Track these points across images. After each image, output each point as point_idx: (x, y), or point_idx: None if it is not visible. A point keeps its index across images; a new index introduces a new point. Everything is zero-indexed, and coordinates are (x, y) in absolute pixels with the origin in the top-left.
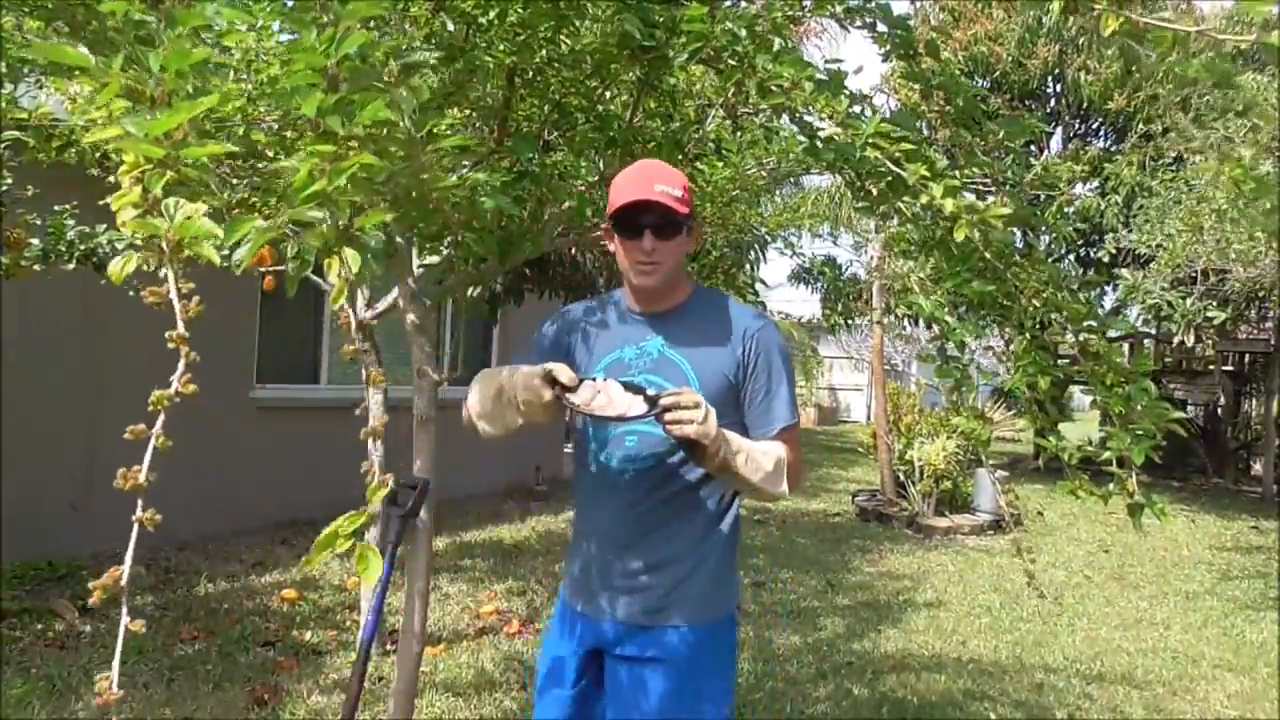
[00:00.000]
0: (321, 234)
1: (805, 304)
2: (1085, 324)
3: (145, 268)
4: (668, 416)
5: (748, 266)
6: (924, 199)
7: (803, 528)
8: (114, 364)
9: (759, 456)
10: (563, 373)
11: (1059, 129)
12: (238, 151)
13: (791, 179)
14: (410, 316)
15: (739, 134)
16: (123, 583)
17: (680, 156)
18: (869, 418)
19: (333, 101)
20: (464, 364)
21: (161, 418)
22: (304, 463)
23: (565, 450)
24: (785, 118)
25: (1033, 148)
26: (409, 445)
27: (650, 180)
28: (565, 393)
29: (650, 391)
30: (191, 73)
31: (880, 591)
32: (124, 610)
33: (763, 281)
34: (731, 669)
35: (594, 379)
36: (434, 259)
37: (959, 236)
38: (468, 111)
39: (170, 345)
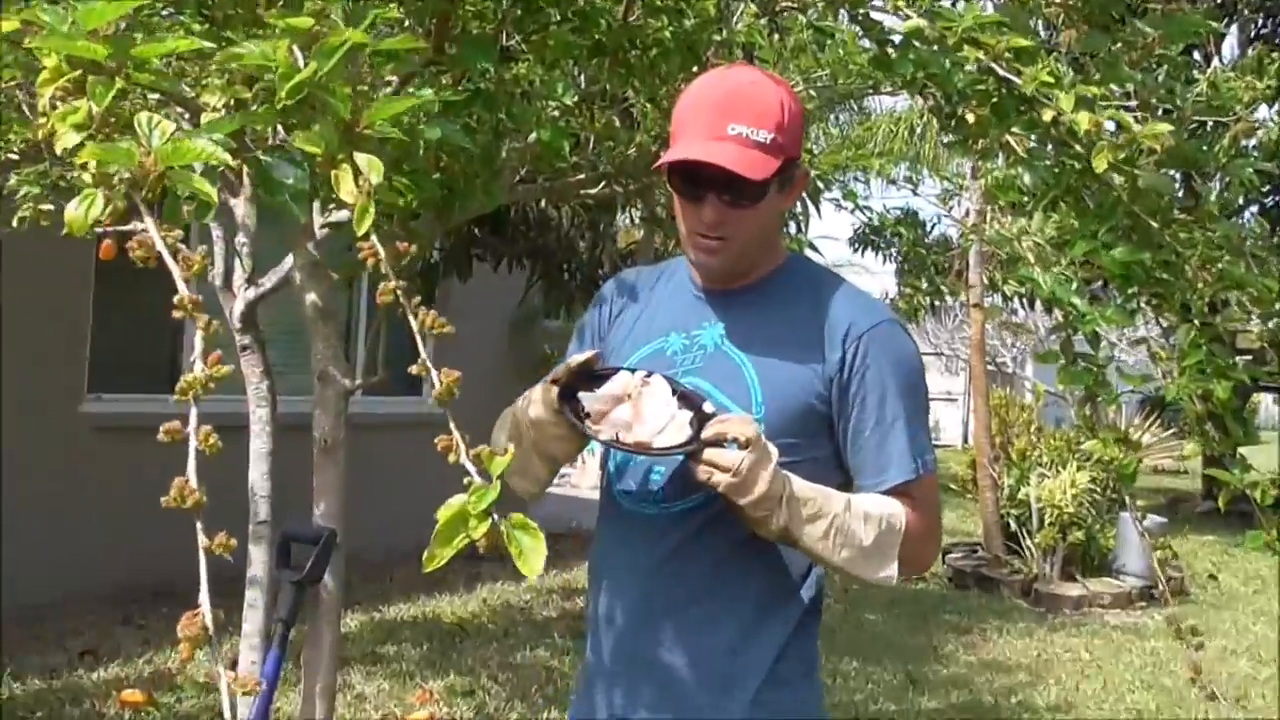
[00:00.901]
0: (318, 137)
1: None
2: (1277, 306)
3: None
4: (706, 454)
5: (792, 225)
6: (1046, 116)
7: (873, 599)
8: None
9: (852, 526)
10: (576, 359)
11: (1234, 27)
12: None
13: (853, 101)
14: (310, 296)
15: (779, 38)
16: None
17: (695, 69)
18: (966, 440)
19: None
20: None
21: (194, 412)
22: (156, 506)
23: None
24: (843, 14)
25: (1197, 56)
26: (307, 480)
27: (726, 115)
28: (569, 401)
29: (708, 407)
30: None
31: (983, 689)
32: None
33: (812, 246)
34: None
35: (633, 371)
36: (343, 215)
37: (1098, 167)
38: (394, 4)
39: (178, 314)
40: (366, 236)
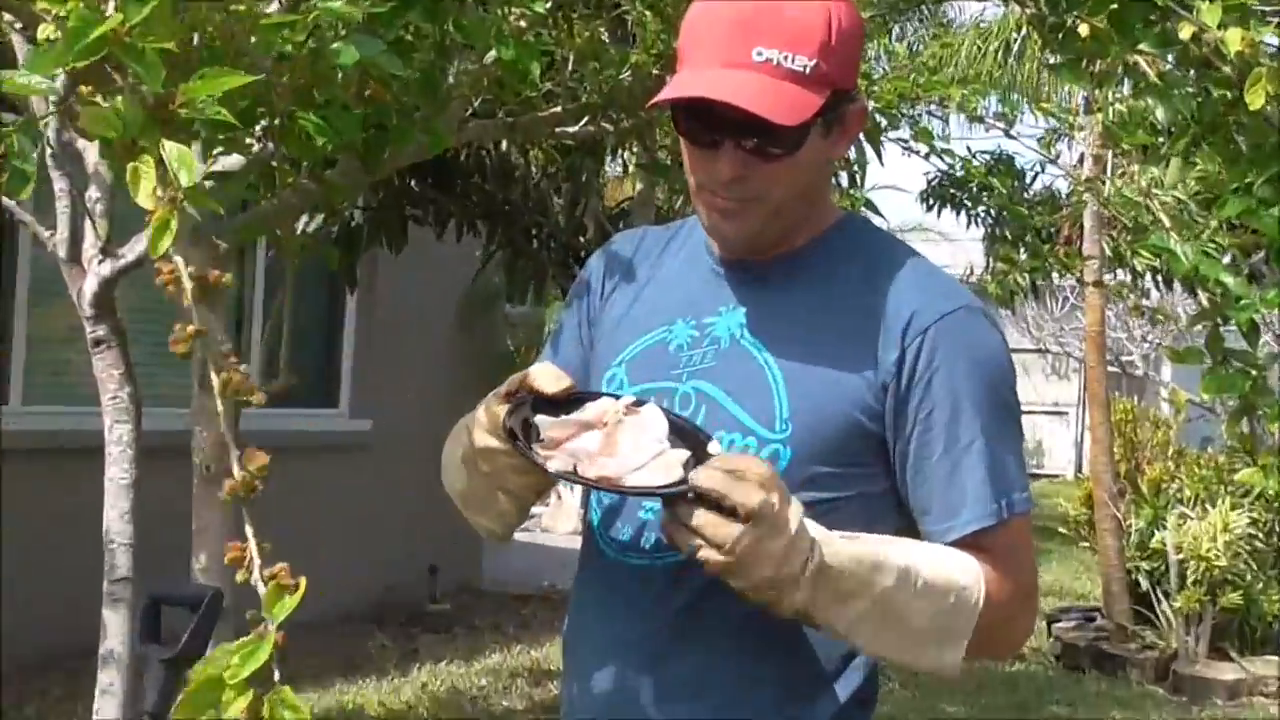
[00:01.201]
0: (114, 116)
1: (953, 247)
2: None
3: None
4: (695, 517)
5: (843, 176)
6: (1185, 31)
7: (954, 683)
8: None
9: (904, 603)
10: (543, 378)
11: None
12: None
13: (927, 8)
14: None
15: None
16: None
17: None
18: (1079, 468)
19: None
20: (292, 367)
21: None
22: None
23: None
24: None
25: None
26: (184, 522)
27: (751, 31)
28: (520, 431)
29: (714, 447)
30: None
31: None
32: None
33: (869, 205)
34: None
35: (619, 397)
36: (234, 161)
37: (1253, 102)
38: None
39: None
40: (166, 257)
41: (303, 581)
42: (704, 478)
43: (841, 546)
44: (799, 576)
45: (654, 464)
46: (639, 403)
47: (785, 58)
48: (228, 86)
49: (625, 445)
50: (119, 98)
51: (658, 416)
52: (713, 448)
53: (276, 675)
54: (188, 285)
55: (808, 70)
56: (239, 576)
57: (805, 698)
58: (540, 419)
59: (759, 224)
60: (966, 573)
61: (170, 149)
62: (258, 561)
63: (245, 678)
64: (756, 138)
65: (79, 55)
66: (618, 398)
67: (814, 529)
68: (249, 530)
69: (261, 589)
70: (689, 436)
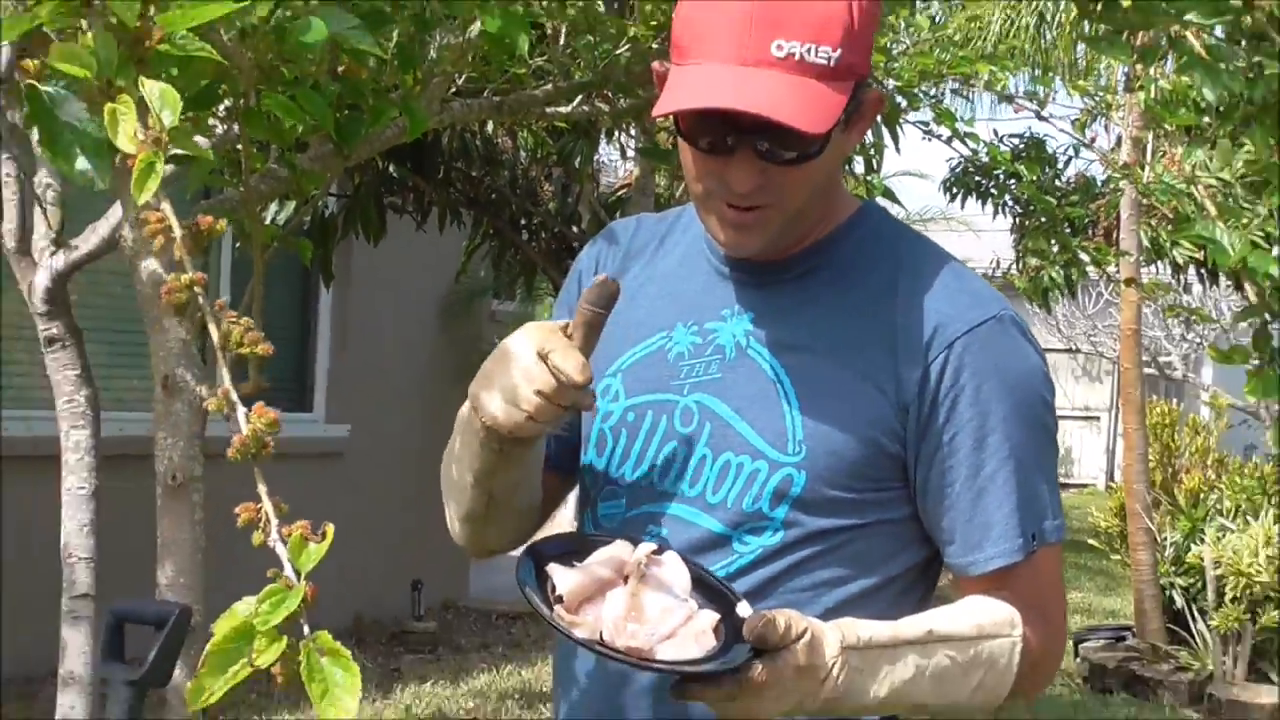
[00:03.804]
0: (87, 53)
1: (979, 240)
2: None
3: None
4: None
5: (858, 163)
6: None
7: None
8: None
9: (944, 669)
10: (568, 363)
11: None
12: None
13: None
14: (148, 265)
15: None
16: None
17: None
18: (1111, 476)
19: None
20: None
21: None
22: None
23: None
24: None
25: None
26: (148, 533)
27: (769, 21)
28: (536, 573)
29: (742, 609)
30: None
31: None
32: None
33: (887, 193)
34: None
35: (649, 544)
36: (198, 144)
37: None
38: None
39: None
40: (149, 205)
41: (330, 530)
42: (758, 672)
43: (871, 657)
44: (818, 704)
45: (683, 632)
46: (659, 550)
47: (809, 50)
48: (210, 17)
49: (650, 606)
50: (90, 34)
51: (680, 569)
52: (741, 609)
53: (306, 629)
54: (178, 233)
55: (832, 63)
56: (255, 539)
57: None
58: (555, 571)
59: (776, 232)
60: (992, 618)
61: (150, 87)
62: (274, 524)
63: (276, 625)
64: (776, 143)
65: None
66: (634, 540)
67: (840, 642)
68: (262, 489)
69: (280, 549)
70: (713, 592)
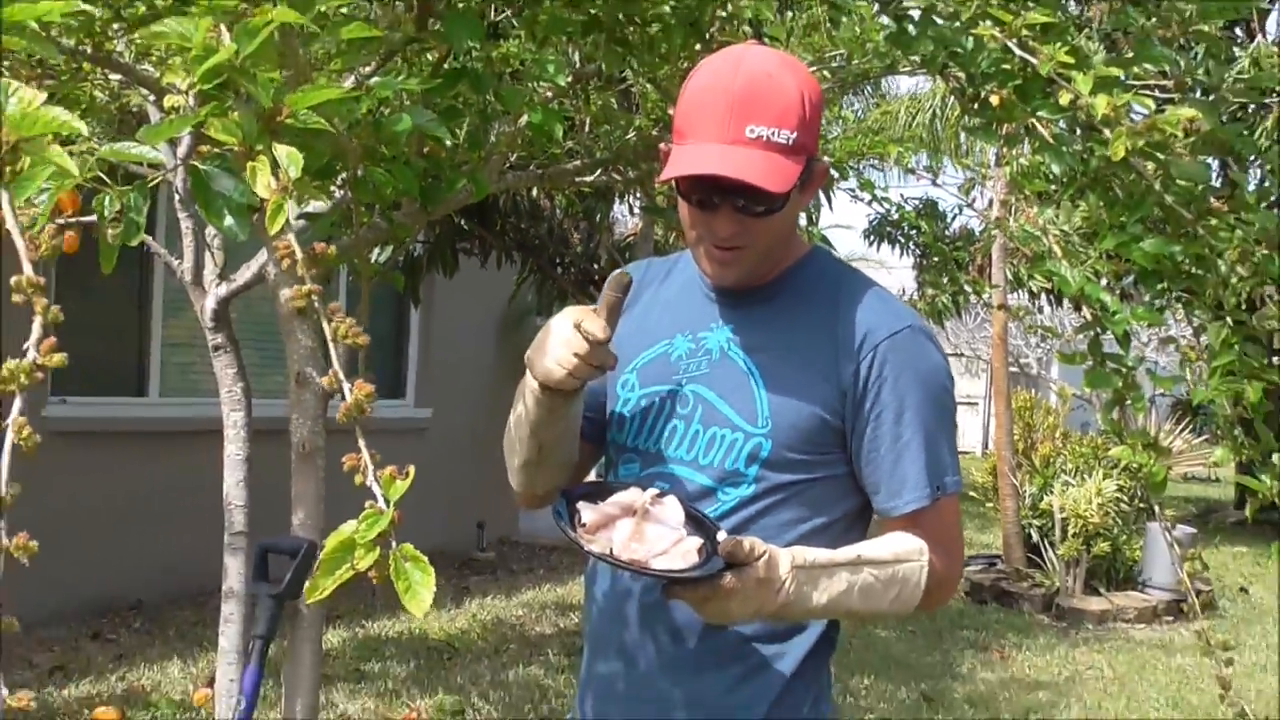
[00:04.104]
0: (235, 125)
1: (892, 273)
2: None
3: None
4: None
5: (803, 217)
6: (1064, 98)
7: None
8: None
9: (869, 585)
10: (590, 322)
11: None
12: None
13: (869, 83)
14: (285, 293)
15: (789, 14)
16: None
17: (698, 47)
18: (986, 446)
19: None
20: (368, 365)
21: (18, 403)
22: (125, 516)
23: None
24: None
25: (1238, 32)
26: (285, 487)
27: (745, 115)
28: (568, 516)
29: (720, 533)
30: None
31: (1003, 708)
32: None
33: (825, 240)
34: None
35: (654, 490)
36: (320, 205)
37: (1115, 155)
38: None
39: (17, 298)
40: (281, 235)
41: (411, 470)
42: (728, 580)
43: (814, 573)
44: (774, 608)
45: (674, 550)
46: (662, 494)
47: (774, 133)
48: (325, 99)
49: (650, 533)
50: (236, 113)
51: (676, 509)
52: (720, 535)
53: (394, 544)
54: (299, 256)
55: (790, 142)
56: (356, 480)
57: (787, 634)
58: (581, 506)
59: (750, 267)
60: (905, 548)
61: (280, 150)
62: (370, 469)
63: (373, 537)
64: (749, 200)
65: (204, 78)
66: (644, 488)
67: (790, 562)
68: (361, 443)
69: (375, 486)
70: (702, 527)
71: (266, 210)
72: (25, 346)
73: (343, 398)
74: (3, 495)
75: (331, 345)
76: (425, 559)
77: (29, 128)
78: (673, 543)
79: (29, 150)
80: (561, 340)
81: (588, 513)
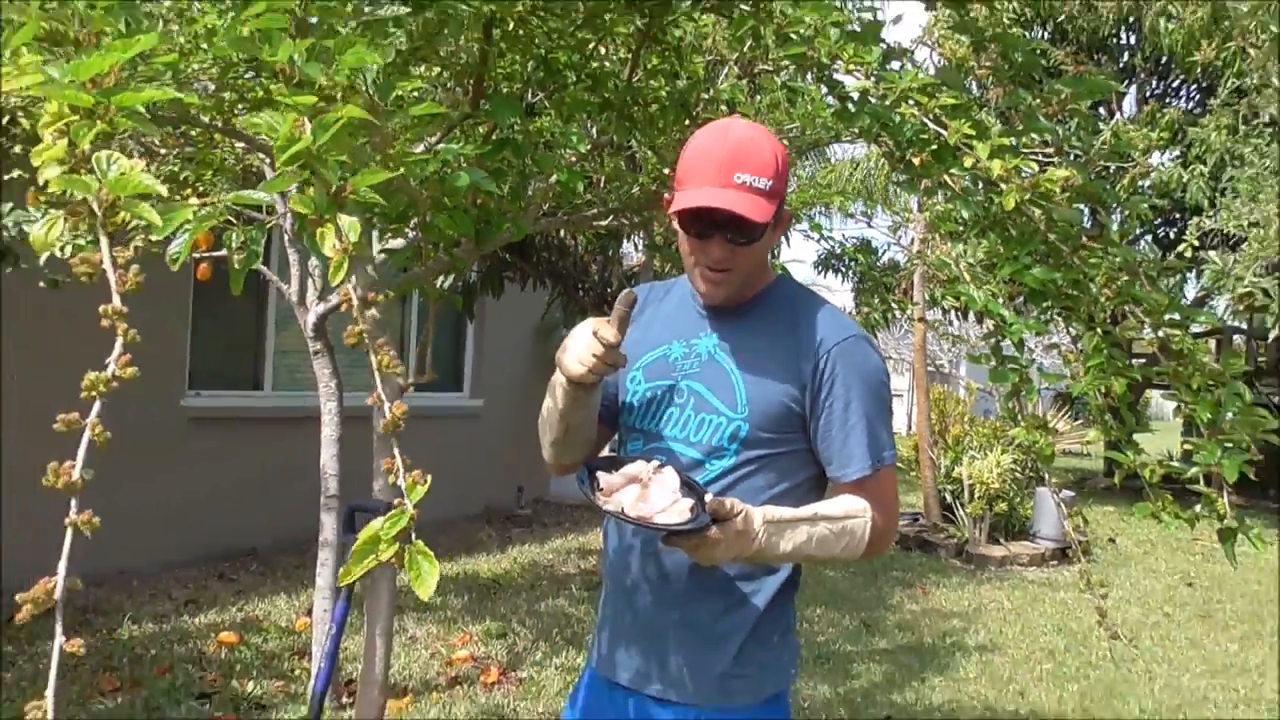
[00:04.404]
0: (309, 200)
1: (836, 295)
2: (1166, 317)
3: (73, 236)
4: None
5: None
6: (968, 162)
7: None
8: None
9: (824, 536)
10: (604, 329)
11: (1133, 88)
12: (185, 103)
13: (819, 148)
14: (370, 311)
15: (757, 96)
16: (57, 595)
17: (688, 122)
18: (910, 428)
19: (307, 46)
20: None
21: (96, 406)
22: (245, 483)
23: None
24: (810, 75)
25: (1102, 110)
26: (369, 461)
27: (732, 166)
28: (589, 481)
29: (708, 495)
30: (122, 11)
31: (924, 633)
32: (58, 627)
33: (785, 270)
34: None
35: (656, 462)
36: (398, 243)
37: (1008, 205)
38: (437, 70)
39: (105, 323)
40: (341, 283)
41: (428, 478)
42: (714, 532)
43: (781, 526)
44: (750, 553)
45: (672, 509)
46: (662, 465)
47: (756, 180)
48: (379, 180)
49: (654, 495)
50: (310, 189)
51: (674, 477)
52: (708, 497)
53: (414, 538)
54: (355, 301)
55: (768, 188)
56: (390, 479)
57: (759, 577)
58: (600, 474)
59: (735, 287)
60: (852, 508)
61: (343, 219)
62: (402, 471)
63: (393, 535)
64: (735, 233)
65: (286, 162)
66: (649, 460)
67: (762, 517)
68: (396, 451)
69: (401, 485)
70: (694, 491)
71: (330, 265)
72: (106, 361)
73: (383, 416)
74: (78, 478)
75: (376, 373)
76: (432, 555)
77: (124, 188)
78: (671, 503)
79: (125, 206)
80: (583, 344)
81: (604, 479)
